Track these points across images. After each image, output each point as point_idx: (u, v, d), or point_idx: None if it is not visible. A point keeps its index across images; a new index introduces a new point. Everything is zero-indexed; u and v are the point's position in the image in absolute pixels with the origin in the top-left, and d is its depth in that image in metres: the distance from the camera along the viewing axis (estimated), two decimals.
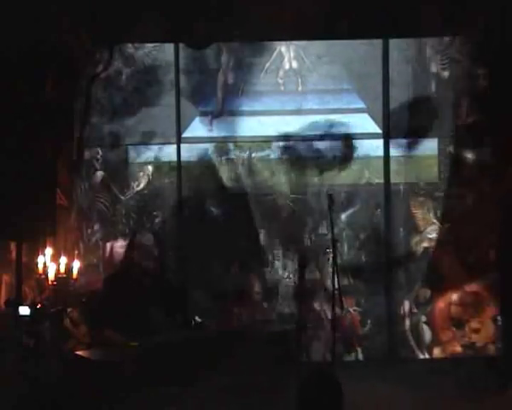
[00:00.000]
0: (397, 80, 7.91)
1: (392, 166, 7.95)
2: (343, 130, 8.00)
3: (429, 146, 7.99)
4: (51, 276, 6.51)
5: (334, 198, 6.20)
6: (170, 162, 7.97)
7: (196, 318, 6.30)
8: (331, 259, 6.26)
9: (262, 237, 8.04)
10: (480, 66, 7.75)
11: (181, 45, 7.91)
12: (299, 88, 8.11)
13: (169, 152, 7.98)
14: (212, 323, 7.11)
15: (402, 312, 7.89)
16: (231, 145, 8.06)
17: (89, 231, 7.86)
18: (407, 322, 7.89)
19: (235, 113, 8.07)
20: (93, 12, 7.33)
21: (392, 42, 7.91)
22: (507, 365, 7.08)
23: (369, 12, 7.56)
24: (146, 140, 7.93)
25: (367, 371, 7.37)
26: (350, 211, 7.99)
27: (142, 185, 7.98)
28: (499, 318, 7.65)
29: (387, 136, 7.95)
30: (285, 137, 8.01)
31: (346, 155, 7.99)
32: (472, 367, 7.13)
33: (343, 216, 7.97)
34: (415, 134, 7.96)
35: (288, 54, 8.10)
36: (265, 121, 8.05)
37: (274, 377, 5.71)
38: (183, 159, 7.97)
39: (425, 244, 7.93)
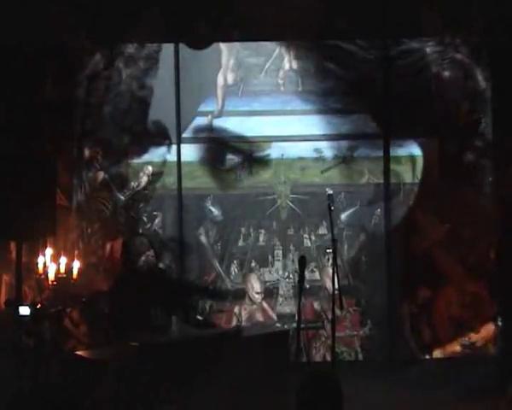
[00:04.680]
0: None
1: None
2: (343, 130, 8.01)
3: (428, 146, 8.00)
4: (51, 276, 6.51)
5: (333, 198, 6.18)
6: (170, 162, 7.97)
7: (198, 316, 6.31)
8: (331, 259, 6.26)
9: (262, 237, 8.05)
10: (480, 66, 7.76)
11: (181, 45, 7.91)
12: (299, 88, 8.12)
13: (169, 152, 7.99)
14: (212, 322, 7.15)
15: (402, 312, 7.89)
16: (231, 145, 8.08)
17: (89, 231, 7.86)
18: (407, 322, 7.89)
19: (235, 113, 8.07)
20: (93, 12, 7.34)
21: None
22: (507, 365, 7.08)
23: (369, 12, 7.57)
24: (146, 140, 7.93)
25: (367, 372, 7.37)
26: (350, 211, 8.00)
27: (142, 185, 7.98)
28: (499, 318, 7.66)
29: (387, 136, 7.95)
30: (285, 137, 8.01)
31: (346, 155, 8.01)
32: (472, 367, 7.14)
33: (343, 216, 7.97)
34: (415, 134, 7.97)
35: (287, 54, 8.10)
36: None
37: (273, 377, 5.71)
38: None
39: (425, 244, 7.93)
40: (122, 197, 7.93)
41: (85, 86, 7.72)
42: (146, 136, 7.88)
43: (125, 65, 7.85)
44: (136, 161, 7.97)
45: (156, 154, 7.96)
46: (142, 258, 6.17)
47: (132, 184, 7.96)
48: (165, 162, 7.97)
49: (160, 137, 7.92)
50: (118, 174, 7.94)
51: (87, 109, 7.75)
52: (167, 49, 7.88)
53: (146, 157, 7.95)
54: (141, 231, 7.84)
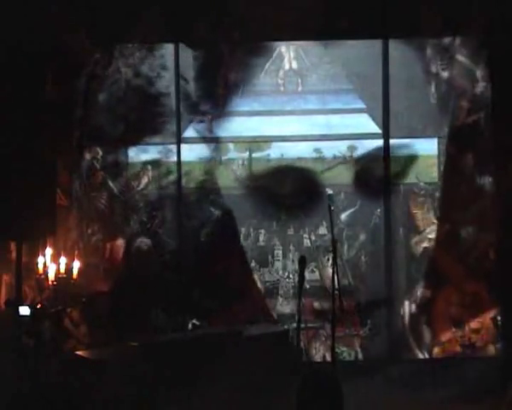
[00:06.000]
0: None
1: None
2: (343, 130, 8.01)
3: (429, 146, 7.99)
4: (51, 276, 6.51)
5: (333, 198, 6.18)
6: (170, 162, 7.96)
7: (194, 321, 6.31)
8: (331, 259, 6.25)
9: (262, 237, 8.05)
10: (480, 65, 7.76)
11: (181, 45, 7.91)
12: (299, 88, 8.12)
13: (169, 152, 7.98)
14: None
15: (402, 312, 7.89)
16: (231, 145, 8.08)
17: (89, 231, 7.86)
18: (407, 322, 7.89)
19: (235, 113, 8.07)
20: (93, 12, 7.34)
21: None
22: (507, 365, 7.08)
23: (369, 12, 7.57)
24: (146, 140, 7.92)
25: (367, 372, 7.36)
26: (350, 211, 8.00)
27: (142, 185, 7.98)
28: (499, 318, 7.65)
29: (387, 136, 7.94)
30: (285, 137, 8.02)
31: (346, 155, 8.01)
32: (472, 367, 7.14)
33: (343, 216, 7.98)
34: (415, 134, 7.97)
35: (287, 54, 8.11)
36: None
37: (274, 377, 5.72)
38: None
39: (425, 244, 7.93)
40: (122, 197, 7.93)
41: (85, 86, 7.72)
42: (146, 131, 7.87)
43: (124, 64, 7.86)
44: (136, 161, 7.97)
45: (156, 154, 7.95)
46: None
47: (132, 183, 7.96)
48: (165, 162, 7.96)
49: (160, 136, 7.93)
50: (118, 174, 7.93)
51: (87, 109, 7.75)
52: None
53: (146, 156, 7.95)
54: (141, 231, 7.84)
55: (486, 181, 7.74)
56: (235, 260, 7.87)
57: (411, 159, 7.92)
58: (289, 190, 7.90)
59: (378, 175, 7.86)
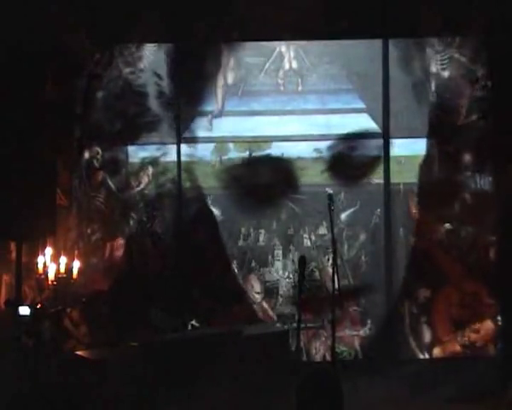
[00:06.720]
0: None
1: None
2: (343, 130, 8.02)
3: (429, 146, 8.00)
4: (51, 276, 6.51)
5: (333, 198, 6.18)
6: (170, 162, 7.97)
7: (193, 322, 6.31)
8: (331, 259, 6.25)
9: (262, 237, 8.06)
10: (479, 65, 7.76)
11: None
12: (299, 88, 8.12)
13: (169, 152, 7.98)
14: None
15: (402, 312, 7.89)
16: (231, 145, 8.09)
17: (89, 230, 7.86)
18: (407, 322, 7.89)
19: (235, 113, 8.07)
20: (93, 12, 7.34)
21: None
22: (507, 365, 7.08)
23: (369, 12, 7.58)
24: (146, 139, 7.92)
25: (367, 371, 7.37)
26: (350, 211, 8.00)
27: (142, 185, 7.98)
28: (499, 318, 7.65)
29: (387, 136, 7.95)
30: (285, 137, 8.02)
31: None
32: (472, 367, 7.14)
33: (343, 216, 7.98)
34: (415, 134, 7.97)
35: (288, 54, 8.11)
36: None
37: (273, 377, 5.72)
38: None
39: (425, 244, 7.92)
40: (122, 197, 7.93)
41: (85, 86, 7.72)
42: (145, 130, 7.87)
43: (124, 64, 7.86)
44: (136, 160, 7.97)
45: (156, 153, 7.95)
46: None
47: (132, 183, 7.96)
48: (165, 162, 7.96)
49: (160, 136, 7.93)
50: (118, 174, 7.93)
51: (87, 109, 7.75)
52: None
53: (146, 155, 7.95)
54: (141, 230, 7.84)
55: (486, 181, 7.74)
56: (217, 260, 7.86)
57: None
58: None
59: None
